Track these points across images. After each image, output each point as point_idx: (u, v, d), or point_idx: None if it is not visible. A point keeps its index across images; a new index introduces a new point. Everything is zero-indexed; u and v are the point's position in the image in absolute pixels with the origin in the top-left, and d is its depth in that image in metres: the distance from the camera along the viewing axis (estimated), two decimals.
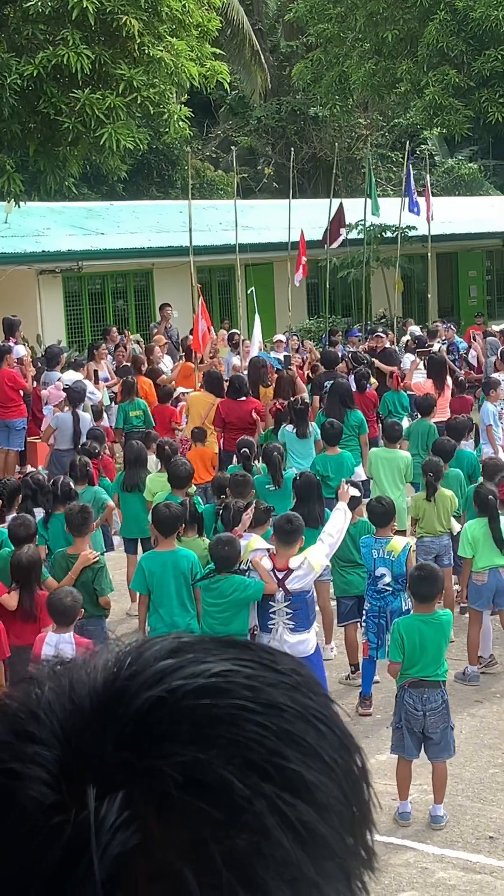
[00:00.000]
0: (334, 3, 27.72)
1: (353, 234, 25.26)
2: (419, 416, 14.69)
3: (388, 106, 33.65)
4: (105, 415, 16.15)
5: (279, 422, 13.98)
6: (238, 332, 21.77)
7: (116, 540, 12.20)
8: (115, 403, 16.60)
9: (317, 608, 9.08)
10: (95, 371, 17.71)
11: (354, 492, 9.33)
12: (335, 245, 23.63)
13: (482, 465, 11.51)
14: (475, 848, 6.99)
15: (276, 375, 16.11)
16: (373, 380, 16.66)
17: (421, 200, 24.78)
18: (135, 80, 16.62)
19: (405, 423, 14.83)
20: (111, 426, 15.89)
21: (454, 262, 34.54)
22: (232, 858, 0.64)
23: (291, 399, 14.14)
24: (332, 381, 14.88)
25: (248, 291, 21.73)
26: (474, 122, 26.96)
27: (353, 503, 9.06)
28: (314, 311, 29.46)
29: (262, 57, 38.92)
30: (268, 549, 8.32)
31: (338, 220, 23.36)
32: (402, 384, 17.55)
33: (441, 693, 7.36)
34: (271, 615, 8.13)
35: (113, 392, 17.27)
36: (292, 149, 29.84)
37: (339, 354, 18.72)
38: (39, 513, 10.35)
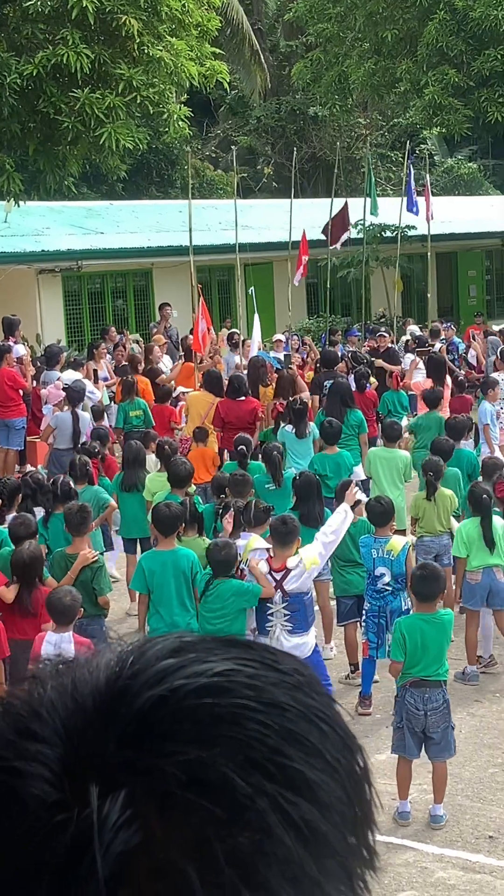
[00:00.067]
0: (334, 2, 27.71)
1: (353, 234, 25.25)
2: (421, 412, 14.68)
3: (387, 105, 33.65)
4: (105, 414, 16.14)
5: (280, 422, 13.99)
6: (238, 331, 21.76)
7: (119, 543, 12.19)
8: (115, 403, 16.60)
9: (316, 608, 9.08)
10: (95, 370, 17.71)
11: (361, 496, 9.34)
12: (338, 245, 23.65)
13: (481, 465, 11.53)
14: (475, 847, 6.99)
15: (275, 375, 16.11)
16: (372, 379, 16.67)
17: (420, 200, 24.77)
18: (134, 79, 16.63)
19: (405, 422, 14.84)
20: (111, 426, 15.89)
21: (454, 262, 34.55)
22: (234, 857, 0.64)
23: (290, 399, 14.14)
24: (331, 381, 14.88)
25: (248, 291, 21.73)
26: (474, 122, 26.96)
27: (354, 504, 9.07)
28: (314, 311, 29.46)
29: (262, 56, 38.92)
30: (267, 549, 8.32)
31: (342, 220, 23.35)
32: (401, 384, 17.56)
33: (442, 693, 7.36)
34: (269, 617, 8.12)
35: (112, 392, 17.27)
36: (294, 149, 29.83)
37: (339, 354, 18.72)
38: (39, 512, 10.36)
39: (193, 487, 11.41)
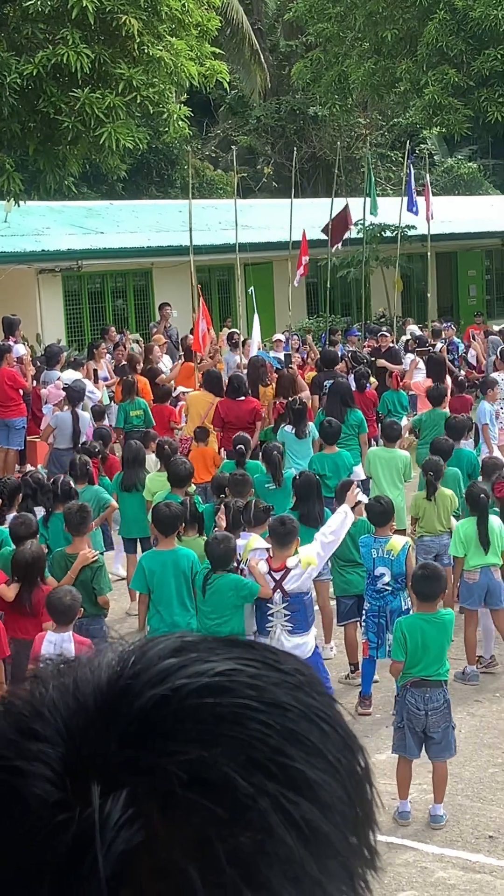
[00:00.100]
0: (334, 2, 27.71)
1: (353, 234, 25.25)
2: (422, 410, 14.67)
3: (387, 105, 33.64)
4: (105, 414, 16.14)
5: (280, 421, 13.99)
6: (237, 331, 21.77)
7: (120, 544, 12.20)
8: (114, 403, 16.60)
9: (316, 608, 9.08)
10: (95, 370, 17.72)
11: (363, 498, 9.34)
12: (339, 246, 23.65)
13: (481, 465, 11.53)
14: (475, 847, 6.99)
15: (275, 375, 16.11)
16: (372, 379, 16.67)
17: (420, 200, 24.77)
18: (134, 79, 16.63)
19: (404, 422, 14.84)
20: (111, 426, 15.88)
21: (454, 262, 34.54)
22: (236, 856, 0.64)
23: (289, 399, 14.14)
24: (331, 381, 14.88)
25: (248, 291, 21.73)
26: (474, 122, 26.96)
27: (354, 505, 9.06)
28: (313, 311, 29.46)
29: (262, 56, 38.92)
30: (267, 549, 8.31)
31: (344, 220, 23.36)
32: (401, 383, 17.56)
33: (443, 692, 7.36)
34: (269, 617, 8.12)
35: (111, 391, 17.27)
36: (294, 148, 29.83)
37: (339, 354, 18.73)
38: (40, 512, 10.36)
39: (193, 487, 11.41)
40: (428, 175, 26.38)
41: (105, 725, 0.67)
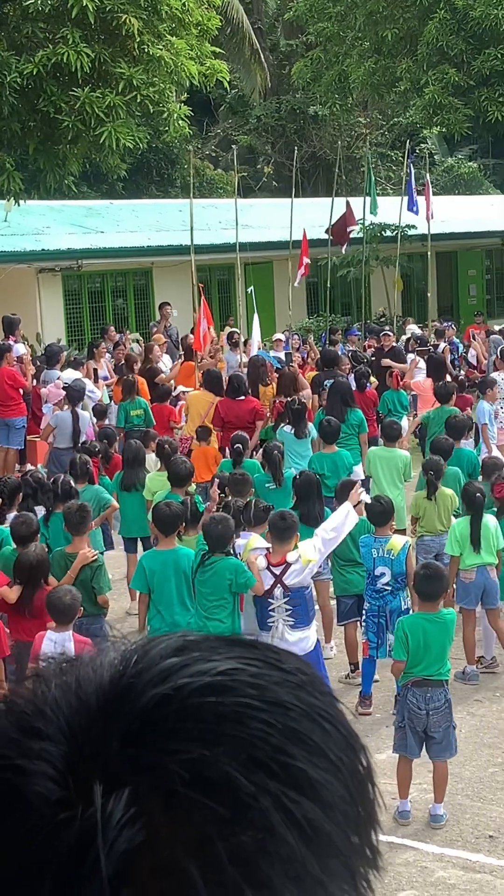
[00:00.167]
0: (334, 1, 27.72)
1: (354, 233, 25.24)
2: (421, 409, 14.65)
3: (387, 105, 33.65)
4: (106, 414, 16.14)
5: (280, 421, 13.98)
6: (237, 331, 21.77)
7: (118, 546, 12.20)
8: (113, 403, 16.59)
9: (316, 607, 9.08)
10: (95, 370, 17.71)
11: (366, 497, 9.33)
12: (346, 247, 23.68)
13: (482, 464, 11.53)
14: (475, 847, 6.99)
15: (275, 375, 16.11)
16: (372, 378, 16.67)
17: (420, 199, 24.77)
18: (134, 78, 16.63)
19: (404, 422, 14.84)
20: (113, 425, 15.88)
21: (454, 261, 34.54)
22: (237, 856, 0.64)
23: (288, 399, 14.13)
24: (331, 380, 14.88)
25: (248, 290, 21.73)
26: (474, 121, 26.96)
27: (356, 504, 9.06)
28: (314, 310, 29.45)
29: (262, 56, 38.92)
30: (267, 549, 8.31)
31: (346, 220, 23.37)
32: (401, 383, 17.56)
33: (444, 692, 7.36)
34: (270, 613, 8.12)
35: (110, 391, 17.26)
36: (294, 148, 29.83)
37: (339, 353, 18.73)
38: (40, 511, 10.35)
39: (194, 486, 11.40)
40: (428, 174, 26.39)
41: (107, 724, 0.67)
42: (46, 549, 8.94)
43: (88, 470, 11.19)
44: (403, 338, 22.67)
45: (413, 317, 28.49)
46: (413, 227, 26.62)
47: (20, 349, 18.12)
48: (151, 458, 12.23)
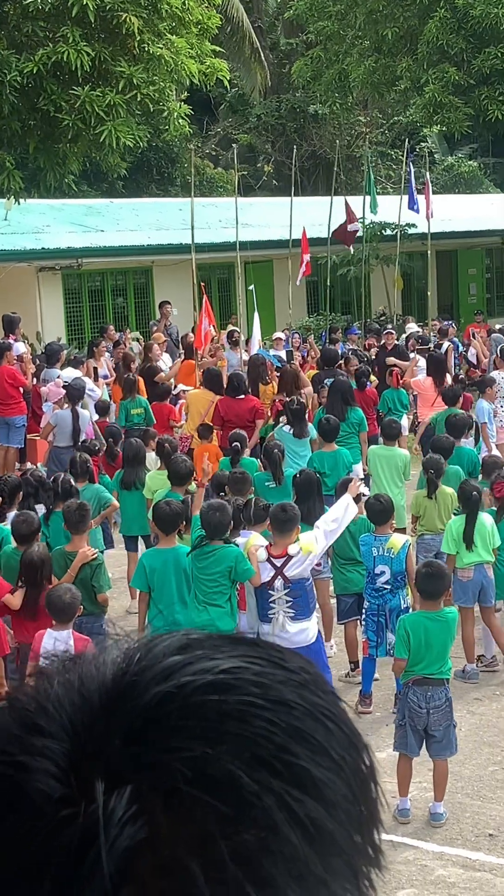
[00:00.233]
0: (334, 0, 27.70)
1: (357, 231, 25.24)
2: (420, 408, 14.64)
3: (387, 103, 33.60)
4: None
5: (280, 418, 13.98)
6: (238, 329, 21.78)
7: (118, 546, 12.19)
8: (112, 402, 16.58)
9: (316, 605, 9.08)
10: (95, 368, 17.71)
11: (365, 490, 9.33)
12: (351, 245, 23.69)
13: (482, 463, 11.54)
14: (475, 845, 6.99)
15: (275, 374, 16.10)
16: (373, 377, 16.67)
17: (421, 198, 24.77)
18: (135, 77, 16.63)
19: (404, 421, 14.84)
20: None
21: (454, 260, 34.53)
22: (240, 854, 0.64)
23: (287, 399, 14.13)
24: (332, 379, 14.88)
25: (248, 289, 21.73)
26: (474, 120, 26.94)
27: (356, 498, 9.07)
28: (314, 309, 29.46)
29: (262, 54, 38.91)
30: (266, 548, 8.31)
31: (346, 220, 23.38)
32: (401, 382, 17.56)
33: (445, 691, 7.37)
34: (271, 604, 8.13)
35: (110, 390, 17.26)
36: (294, 147, 29.82)
37: (340, 352, 18.73)
38: (40, 510, 10.35)
39: (194, 485, 11.40)
40: (428, 173, 26.38)
41: (109, 721, 0.67)
42: (45, 546, 8.95)
43: (88, 468, 11.20)
44: (403, 336, 22.67)
45: (413, 315, 28.49)
46: (413, 225, 26.61)
47: (20, 348, 18.12)
48: (151, 457, 12.23)
